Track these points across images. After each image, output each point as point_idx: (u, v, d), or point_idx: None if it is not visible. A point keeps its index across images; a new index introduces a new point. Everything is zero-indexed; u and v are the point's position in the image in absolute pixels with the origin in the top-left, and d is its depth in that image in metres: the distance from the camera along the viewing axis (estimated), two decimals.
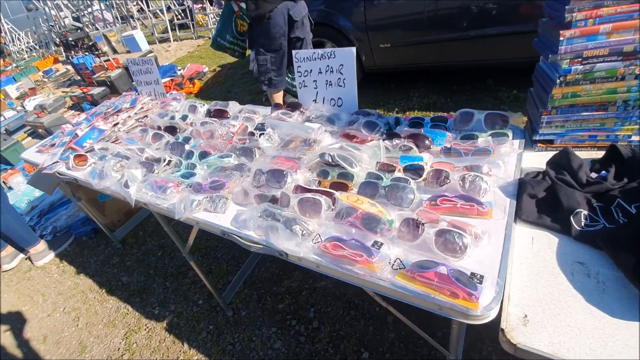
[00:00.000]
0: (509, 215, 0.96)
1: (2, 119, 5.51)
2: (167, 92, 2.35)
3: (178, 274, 2.42)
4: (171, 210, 1.33)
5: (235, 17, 2.87)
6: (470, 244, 0.86)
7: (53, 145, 2.11)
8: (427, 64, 3.51)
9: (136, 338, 2.08)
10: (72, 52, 9.25)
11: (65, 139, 2.06)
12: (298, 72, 1.71)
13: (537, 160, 1.17)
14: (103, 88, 5.60)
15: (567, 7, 0.93)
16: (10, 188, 3.70)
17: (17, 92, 7.29)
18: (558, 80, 1.04)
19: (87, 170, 1.78)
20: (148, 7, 9.31)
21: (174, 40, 8.79)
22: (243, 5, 2.89)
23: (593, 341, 0.71)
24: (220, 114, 1.90)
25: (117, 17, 9.88)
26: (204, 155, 1.55)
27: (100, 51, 8.69)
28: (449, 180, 1.06)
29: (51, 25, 10.66)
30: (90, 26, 9.92)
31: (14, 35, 11.96)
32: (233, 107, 1.95)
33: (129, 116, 2.15)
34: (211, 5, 8.87)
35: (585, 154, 1.11)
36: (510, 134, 1.21)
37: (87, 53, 8.25)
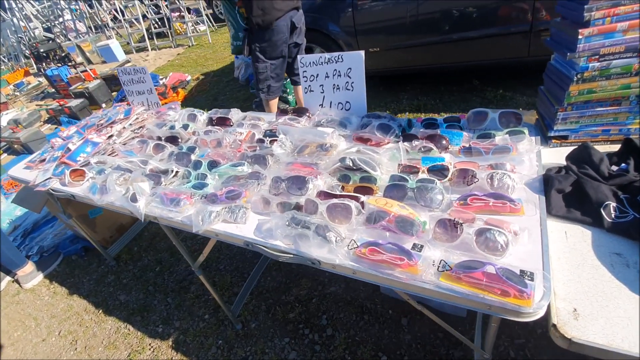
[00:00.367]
0: (541, 211, 0.97)
1: None
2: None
3: (180, 288, 2.33)
4: (186, 223, 1.28)
5: (239, 8, 2.65)
6: (511, 242, 0.86)
7: (43, 160, 1.99)
8: (417, 67, 3.58)
9: (140, 359, 1.99)
10: (44, 63, 8.92)
11: (56, 153, 1.96)
12: (304, 77, 1.70)
13: (554, 156, 1.19)
14: (81, 100, 5.39)
15: (586, 6, 0.96)
16: None
17: None
18: (575, 78, 1.07)
19: (85, 186, 1.69)
20: (123, 15, 9.09)
21: (152, 49, 8.60)
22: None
23: None
24: (223, 122, 1.86)
25: (90, 27, 9.57)
26: (213, 164, 1.50)
27: (74, 62, 8.41)
28: (476, 179, 1.06)
29: (20, 37, 10.22)
30: (62, 37, 9.58)
31: None
32: (235, 114, 1.92)
33: (124, 127, 2.07)
34: (189, 13, 8.76)
35: (599, 148, 1.14)
36: (526, 131, 1.24)
37: (59, 64, 7.97)
